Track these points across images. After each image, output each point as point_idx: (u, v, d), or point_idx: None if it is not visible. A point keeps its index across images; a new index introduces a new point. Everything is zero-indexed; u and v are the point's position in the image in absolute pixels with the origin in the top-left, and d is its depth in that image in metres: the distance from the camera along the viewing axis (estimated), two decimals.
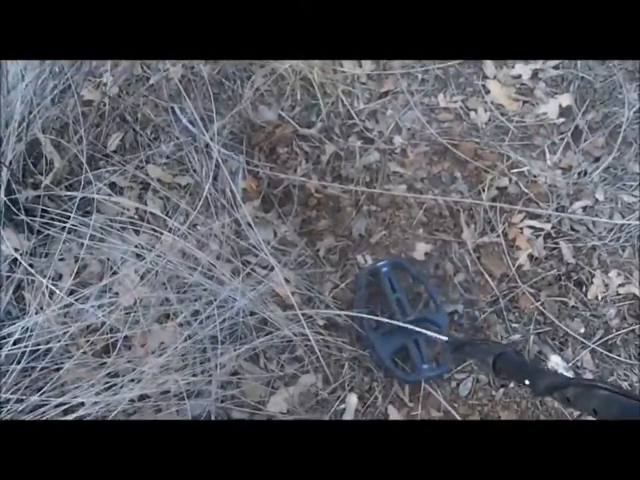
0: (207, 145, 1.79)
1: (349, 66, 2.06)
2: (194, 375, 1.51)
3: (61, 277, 1.56)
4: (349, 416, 1.58)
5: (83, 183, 1.55)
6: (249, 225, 1.69)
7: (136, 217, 1.65)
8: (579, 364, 1.69)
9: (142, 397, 1.49)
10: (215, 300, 1.53)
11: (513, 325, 1.72)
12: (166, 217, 1.65)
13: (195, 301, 1.57)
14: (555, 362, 1.67)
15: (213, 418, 1.54)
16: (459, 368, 1.64)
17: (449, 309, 1.72)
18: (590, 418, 0.76)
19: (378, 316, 1.65)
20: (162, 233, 1.62)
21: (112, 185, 1.69)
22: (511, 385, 1.63)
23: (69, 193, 1.58)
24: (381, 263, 1.74)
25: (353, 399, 1.60)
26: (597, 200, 1.91)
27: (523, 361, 1.04)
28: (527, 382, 0.92)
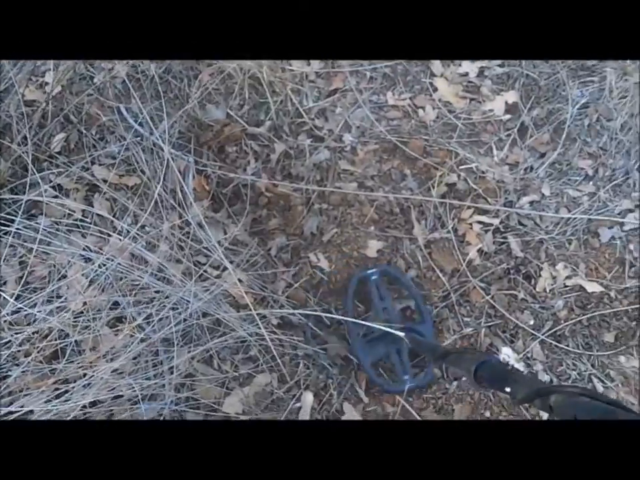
0: (155, 145, 1.78)
1: (297, 64, 2.08)
2: (147, 379, 1.50)
3: (6, 282, 1.53)
4: (305, 414, 1.60)
5: (28, 185, 1.53)
6: (199, 225, 1.69)
7: (83, 219, 1.63)
8: (529, 355, 1.74)
9: (94, 403, 1.47)
10: (168, 302, 1.52)
11: (465, 318, 1.77)
12: (113, 219, 1.64)
13: (147, 303, 1.56)
14: (506, 354, 1.72)
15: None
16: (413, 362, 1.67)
17: (401, 305, 1.76)
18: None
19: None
20: (110, 235, 1.61)
21: (57, 187, 1.67)
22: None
23: (13, 196, 1.55)
24: (371, 270, 1.76)
25: (308, 397, 1.61)
26: (543, 195, 1.98)
27: (504, 369, 1.05)
28: (507, 390, 0.92)
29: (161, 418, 1.52)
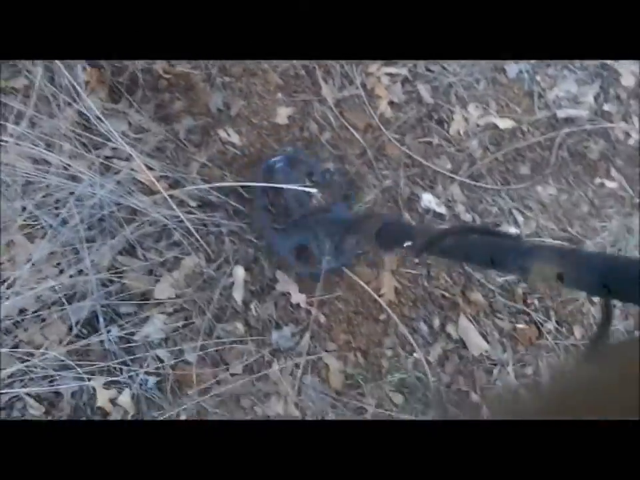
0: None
1: None
2: (71, 277, 1.49)
3: None
4: (238, 289, 1.62)
5: None
6: (98, 117, 1.63)
7: None
8: (449, 198, 1.79)
9: (21, 311, 1.46)
10: (76, 198, 1.49)
11: (383, 172, 1.78)
12: (5, 123, 1.57)
13: (55, 203, 1.52)
14: (427, 200, 1.76)
15: (100, 318, 1.54)
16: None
17: (321, 168, 1.76)
18: None
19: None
20: (6, 142, 1.54)
21: None
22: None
23: None
24: (276, 158, 1.72)
25: (239, 271, 1.63)
26: None
27: (403, 225, 1.07)
28: (406, 244, 0.95)
29: (94, 314, 1.53)
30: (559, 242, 1.82)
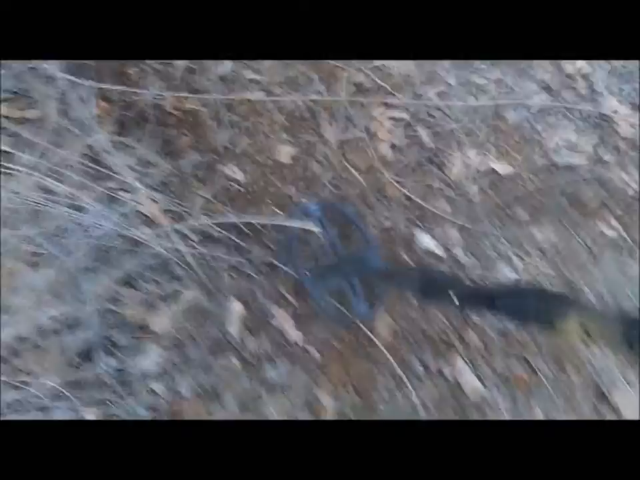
0: (49, 74, 1.73)
1: None
2: (70, 308, 1.51)
3: None
4: (235, 323, 1.64)
5: None
6: (106, 151, 1.67)
7: None
8: (449, 242, 1.81)
9: (19, 340, 1.48)
10: (81, 229, 1.52)
11: (384, 213, 1.81)
12: (18, 153, 1.61)
13: (61, 233, 1.55)
14: (426, 242, 1.79)
15: (98, 349, 1.56)
16: None
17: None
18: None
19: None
20: (18, 171, 1.58)
21: None
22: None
23: None
24: (313, 205, 1.74)
25: (237, 306, 1.65)
26: (449, 85, 2.01)
27: (449, 280, 1.08)
28: (454, 298, 0.95)
29: (91, 345, 1.54)
30: (557, 289, 1.84)
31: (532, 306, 0.79)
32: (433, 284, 1.06)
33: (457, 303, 0.95)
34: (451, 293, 0.96)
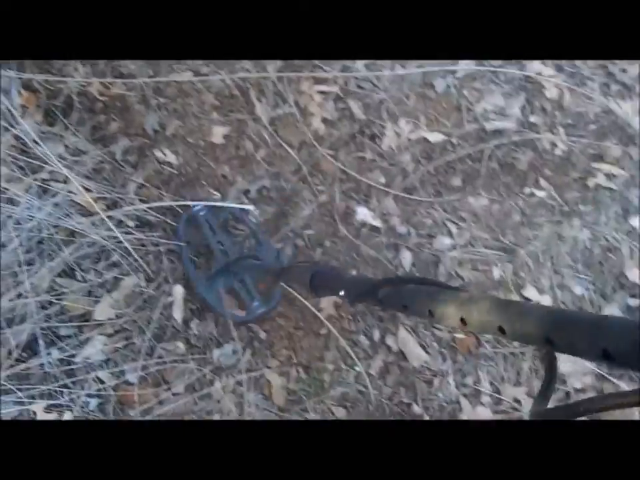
0: None
1: None
2: (10, 301, 1.50)
3: None
4: (177, 307, 1.65)
5: None
6: (35, 141, 1.65)
7: None
8: (384, 211, 1.85)
9: None
10: (14, 221, 1.50)
11: (319, 187, 1.84)
12: None
13: None
14: (363, 214, 1.82)
15: (40, 341, 1.55)
16: None
17: (256, 186, 1.80)
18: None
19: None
20: None
21: None
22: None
23: None
24: (197, 207, 1.71)
25: (179, 290, 1.66)
26: None
27: (337, 274, 1.09)
28: (341, 293, 0.95)
29: (34, 337, 1.54)
30: (493, 251, 1.90)
31: (410, 295, 0.79)
32: (322, 278, 1.07)
33: (343, 295, 0.95)
34: (341, 292, 0.97)
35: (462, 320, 0.65)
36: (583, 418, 0.53)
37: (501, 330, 0.60)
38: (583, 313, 0.52)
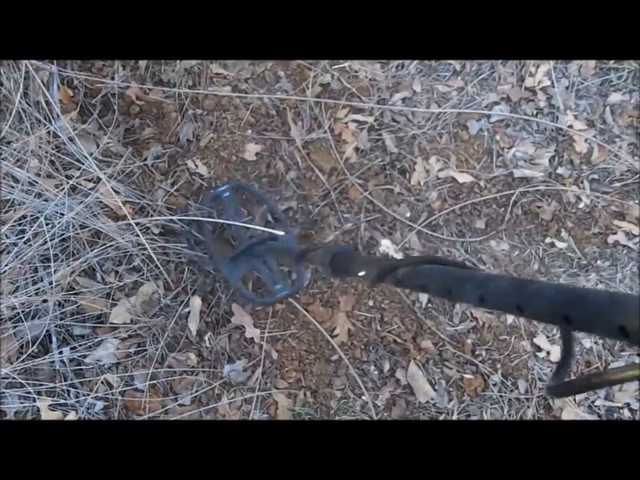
0: None
1: None
2: (28, 296, 1.52)
3: None
4: (194, 318, 1.68)
5: None
6: (69, 138, 1.68)
7: None
8: (407, 245, 1.89)
9: None
10: (41, 217, 1.53)
11: (345, 215, 1.88)
12: None
13: (20, 220, 1.55)
14: (386, 245, 1.86)
15: (54, 338, 1.57)
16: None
17: (283, 206, 1.84)
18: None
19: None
20: None
21: None
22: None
23: None
24: (222, 188, 1.78)
25: (196, 301, 1.69)
26: (414, 91, 2.08)
27: (357, 255, 1.11)
28: (361, 273, 0.98)
29: (47, 334, 1.56)
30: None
31: (428, 275, 0.79)
32: (342, 259, 1.10)
33: (363, 276, 0.98)
34: (360, 273, 0.99)
35: (480, 298, 0.66)
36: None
37: (519, 308, 0.61)
38: (599, 291, 0.52)
